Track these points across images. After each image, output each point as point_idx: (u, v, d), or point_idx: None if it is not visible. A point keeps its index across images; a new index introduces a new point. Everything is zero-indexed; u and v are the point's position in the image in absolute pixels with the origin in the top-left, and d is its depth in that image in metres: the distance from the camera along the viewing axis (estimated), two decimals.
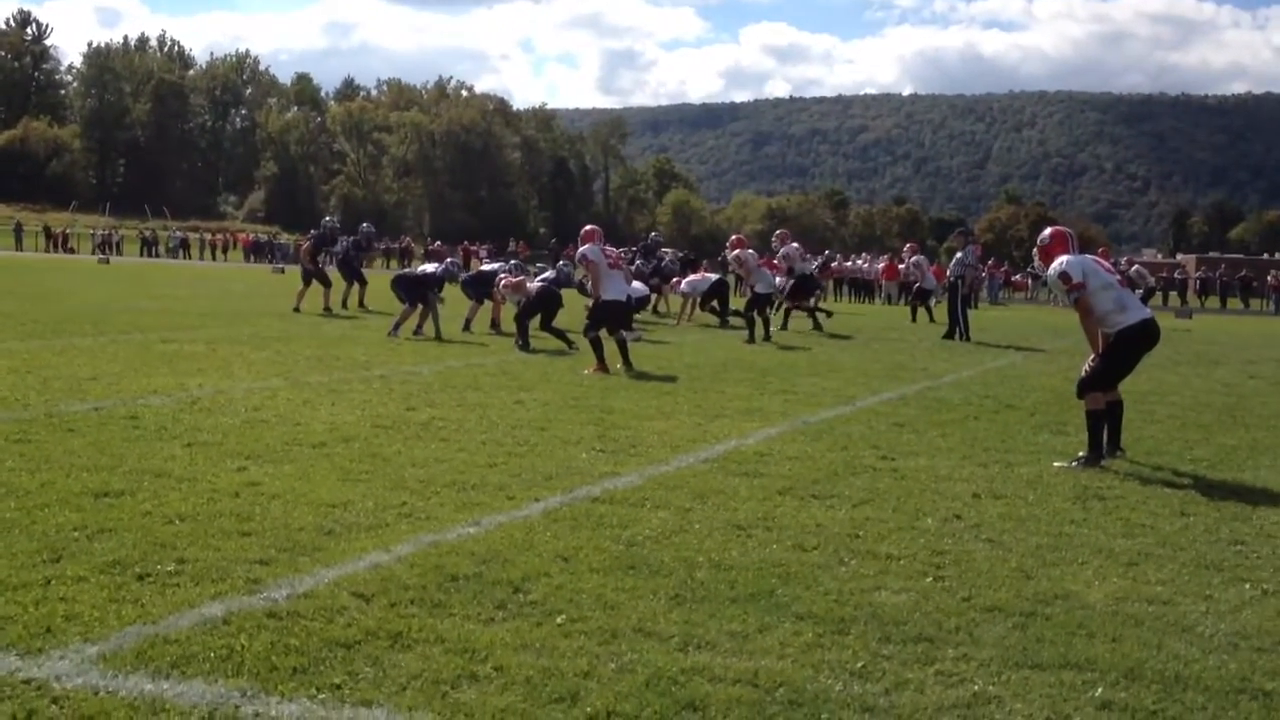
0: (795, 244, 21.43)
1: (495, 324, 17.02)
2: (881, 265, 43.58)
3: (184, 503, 5.61)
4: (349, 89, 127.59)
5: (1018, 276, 52.50)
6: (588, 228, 13.19)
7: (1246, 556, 5.38)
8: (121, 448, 6.89)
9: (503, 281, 15.78)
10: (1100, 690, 3.64)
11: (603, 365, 11.87)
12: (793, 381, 11.88)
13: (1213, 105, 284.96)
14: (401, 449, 7.30)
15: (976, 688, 3.64)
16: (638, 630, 4.07)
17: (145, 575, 4.48)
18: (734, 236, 20.95)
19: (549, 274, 18.66)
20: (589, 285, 16.99)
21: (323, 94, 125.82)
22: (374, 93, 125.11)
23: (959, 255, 20.28)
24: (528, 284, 15.33)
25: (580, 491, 6.26)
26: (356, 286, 21.11)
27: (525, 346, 14.25)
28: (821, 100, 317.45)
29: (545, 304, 14.66)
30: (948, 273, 21.37)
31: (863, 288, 42.97)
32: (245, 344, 13.62)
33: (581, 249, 12.68)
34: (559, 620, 4.16)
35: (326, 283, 20.17)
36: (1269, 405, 11.45)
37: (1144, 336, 7.76)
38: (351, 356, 12.78)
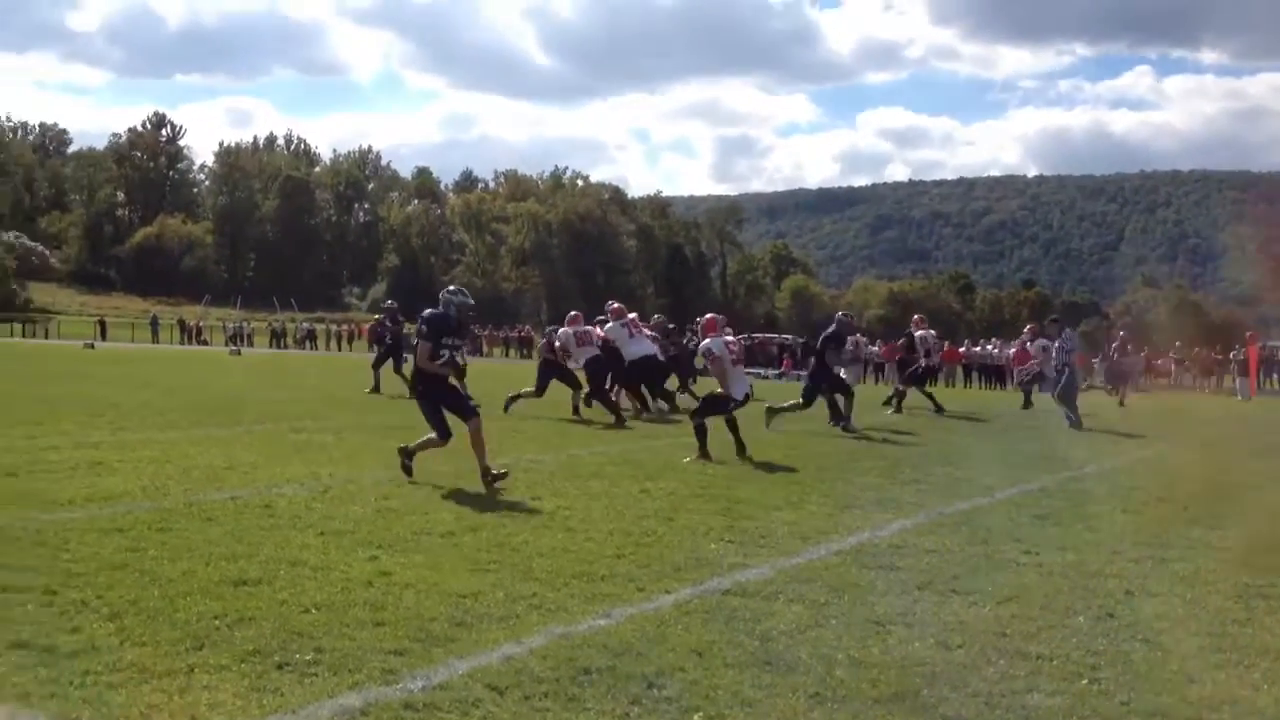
0: (931, 330, 21.67)
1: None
2: (1013, 351, 42.66)
3: (319, 592, 5.65)
4: (467, 181, 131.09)
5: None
6: (709, 317, 13.11)
7: None
8: (258, 536, 6.99)
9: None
10: None
11: (705, 453, 11.77)
12: (926, 470, 11.60)
13: None
14: (529, 538, 7.27)
15: None
16: None
17: (284, 664, 4.51)
18: (915, 316, 22.77)
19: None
20: (567, 355, 17.76)
21: (442, 186, 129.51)
22: (492, 184, 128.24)
23: (1057, 344, 19.56)
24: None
25: (711, 583, 6.14)
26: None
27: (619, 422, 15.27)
28: (942, 183, 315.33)
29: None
30: (1053, 361, 20.38)
31: (993, 373, 42.13)
32: (372, 432, 13.82)
33: (705, 343, 12.48)
34: (696, 717, 4.05)
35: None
36: None
37: None
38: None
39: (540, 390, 17.64)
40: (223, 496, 8.47)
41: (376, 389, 21.63)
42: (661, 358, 19.02)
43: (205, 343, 64.11)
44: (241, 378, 27.10)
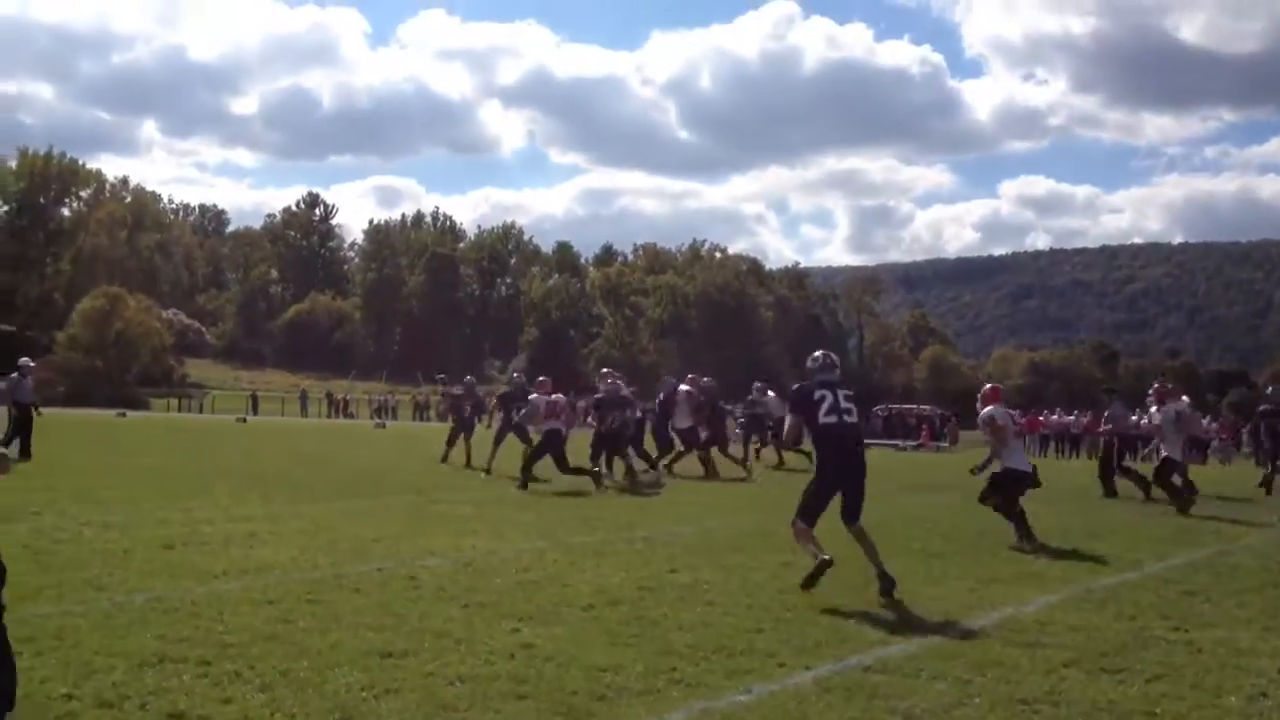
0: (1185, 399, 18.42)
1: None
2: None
3: (463, 664, 5.76)
4: (607, 254, 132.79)
5: None
6: (991, 387, 12.14)
7: None
8: (403, 608, 7.17)
9: None
10: None
11: (1027, 534, 11.05)
12: (1071, 544, 11.31)
13: None
14: (668, 612, 7.31)
15: None
16: None
17: None
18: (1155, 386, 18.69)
19: None
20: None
21: (582, 260, 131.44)
22: (630, 257, 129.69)
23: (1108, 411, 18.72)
24: None
25: (851, 660, 6.10)
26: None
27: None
28: (1084, 251, 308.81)
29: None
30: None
31: (1139, 442, 40.83)
32: (511, 505, 14.07)
33: (989, 411, 11.47)
34: None
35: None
36: None
37: None
38: (615, 517, 12.99)
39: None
40: (369, 568, 8.72)
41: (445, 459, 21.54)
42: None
43: (351, 416, 65.88)
44: (386, 450, 27.79)
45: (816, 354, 8.45)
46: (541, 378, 19.00)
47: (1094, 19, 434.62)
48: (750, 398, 24.82)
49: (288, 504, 13.28)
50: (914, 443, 44.69)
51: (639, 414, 20.71)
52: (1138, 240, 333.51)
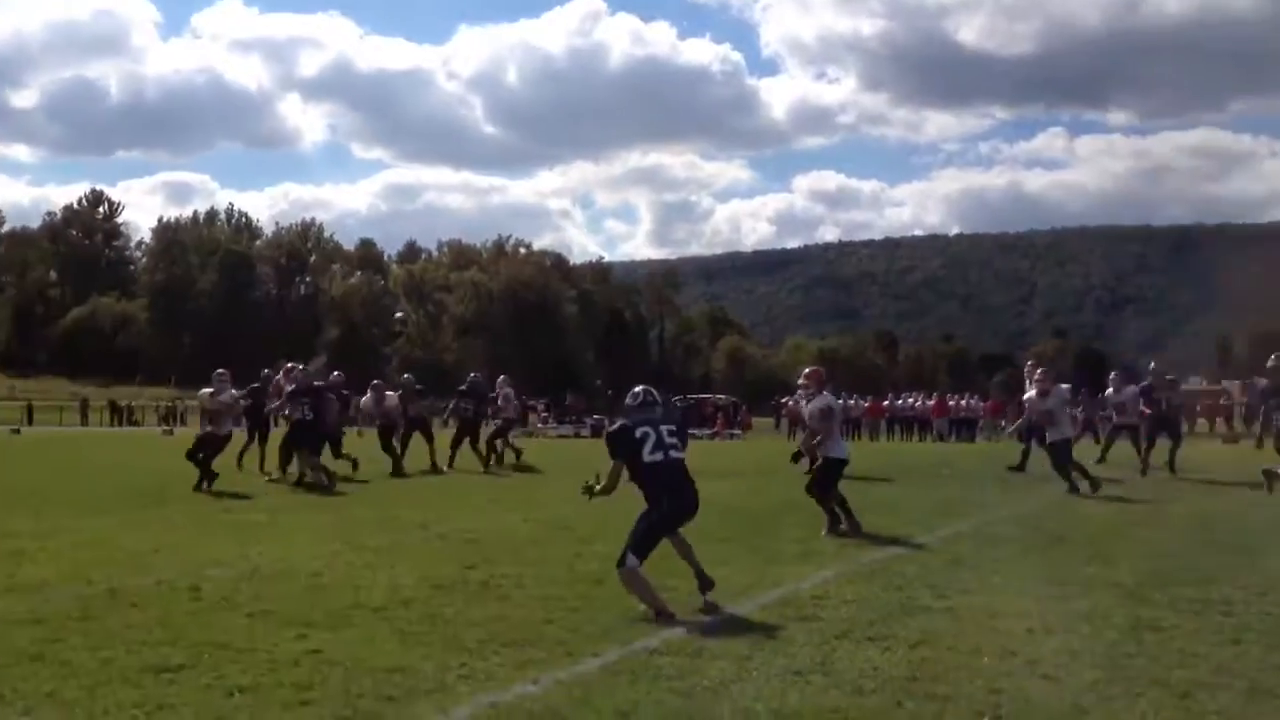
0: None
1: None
2: (932, 403, 43.60)
3: (244, 675, 5.66)
4: (411, 251, 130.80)
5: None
6: (816, 370, 12.17)
7: None
8: (183, 620, 6.99)
9: None
10: None
11: (852, 523, 11.12)
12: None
13: (1251, 233, 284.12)
14: (461, 609, 7.38)
15: None
16: None
17: None
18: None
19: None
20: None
21: (386, 257, 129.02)
22: (435, 254, 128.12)
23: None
24: None
25: (638, 644, 6.31)
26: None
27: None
28: (870, 243, 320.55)
29: None
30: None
31: (913, 424, 42.99)
32: (307, 509, 13.84)
33: (825, 401, 11.53)
34: None
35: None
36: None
37: None
38: (410, 518, 12.94)
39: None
40: (148, 581, 8.44)
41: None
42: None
43: (137, 424, 63.10)
44: (173, 458, 26.75)
45: (636, 390, 8.14)
46: (288, 363, 20.10)
47: (882, 20, 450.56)
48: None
49: (62, 518, 12.67)
50: (710, 431, 45.68)
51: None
52: (918, 232, 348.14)
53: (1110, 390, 19.93)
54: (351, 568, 9.15)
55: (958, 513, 12.86)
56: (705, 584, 7.63)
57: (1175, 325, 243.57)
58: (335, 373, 22.66)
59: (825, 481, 11.37)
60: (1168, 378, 19.76)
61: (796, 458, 11.98)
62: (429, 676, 5.65)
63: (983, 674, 5.56)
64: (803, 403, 12.85)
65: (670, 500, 7.66)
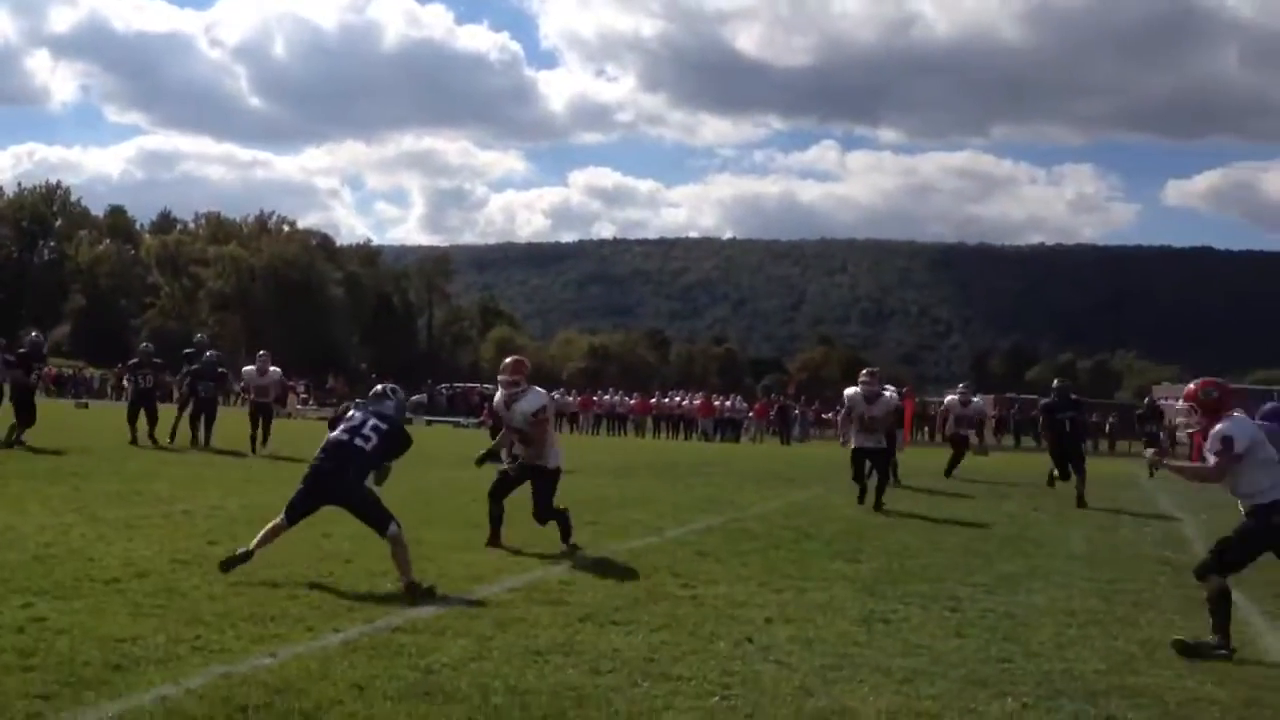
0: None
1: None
2: (699, 402, 44.69)
3: None
4: (166, 222, 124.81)
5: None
6: (519, 359, 9.93)
7: (1012, 673, 5.74)
8: None
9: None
10: None
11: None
12: (604, 514, 12.05)
13: (1010, 254, 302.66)
14: (199, 584, 7.17)
15: None
16: None
17: None
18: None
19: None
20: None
21: (138, 226, 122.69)
22: (192, 226, 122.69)
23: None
24: None
25: (381, 622, 6.27)
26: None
27: None
28: (645, 241, 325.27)
29: None
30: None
31: (679, 422, 43.95)
32: (40, 479, 13.09)
33: (540, 400, 9.59)
34: None
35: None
36: (1047, 534, 12.16)
37: None
38: (154, 491, 12.43)
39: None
40: None
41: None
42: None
43: None
44: None
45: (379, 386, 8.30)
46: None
47: (662, 22, 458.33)
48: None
49: None
50: (476, 420, 45.45)
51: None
52: (693, 234, 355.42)
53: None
54: (85, 539, 8.75)
55: (712, 509, 13.24)
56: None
57: (936, 338, 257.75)
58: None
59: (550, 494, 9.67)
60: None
61: (483, 460, 9.96)
62: (160, 647, 5.48)
63: (718, 658, 5.77)
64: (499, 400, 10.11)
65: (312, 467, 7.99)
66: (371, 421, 7.79)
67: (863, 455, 14.10)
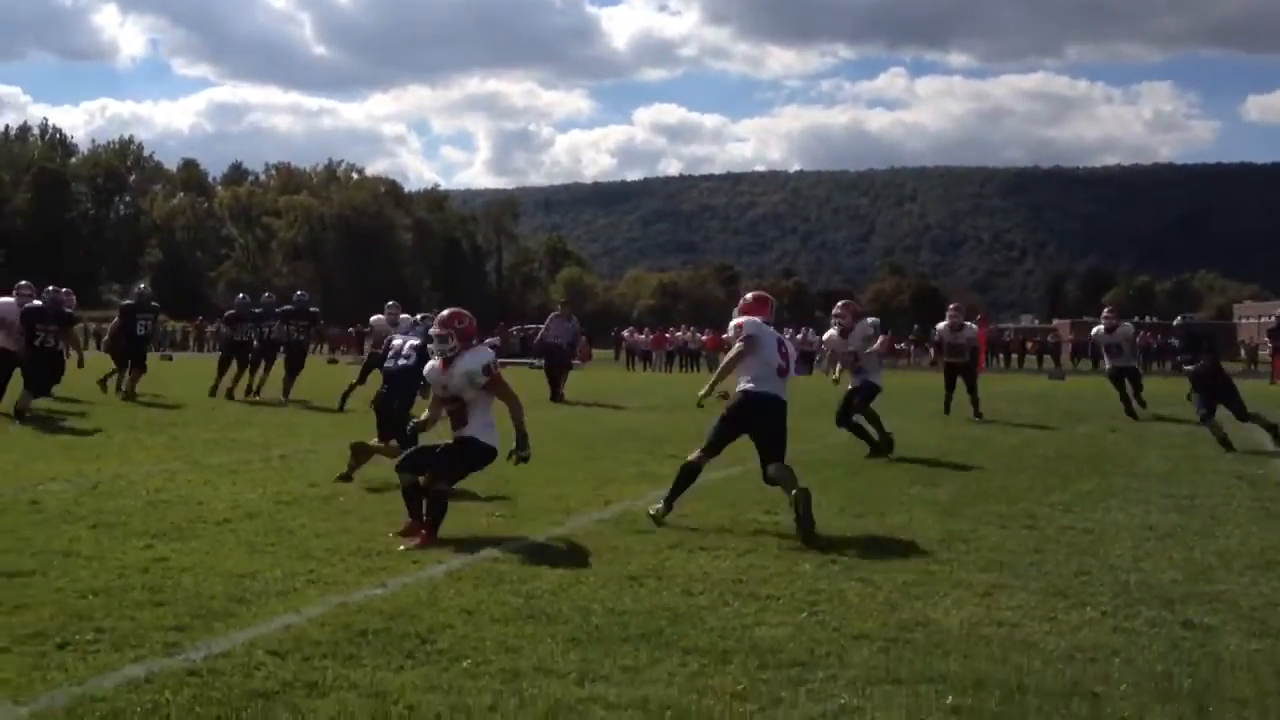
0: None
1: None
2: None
3: (95, 579, 5.77)
4: (237, 174, 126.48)
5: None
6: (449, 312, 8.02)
7: (1090, 585, 5.93)
8: (27, 532, 6.99)
9: None
10: (951, 699, 4.10)
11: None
12: (684, 447, 12.11)
13: (1084, 177, 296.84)
14: (306, 522, 7.54)
15: (843, 701, 4.07)
16: (538, 669, 4.42)
17: (66, 644, 4.67)
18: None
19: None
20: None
21: (210, 179, 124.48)
22: (262, 177, 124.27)
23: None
24: None
25: (482, 553, 6.58)
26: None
27: None
28: (710, 177, 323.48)
29: None
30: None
31: None
32: (140, 429, 13.64)
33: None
34: (464, 664, 4.48)
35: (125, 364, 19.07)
36: (1125, 454, 12.25)
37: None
38: (249, 439, 12.91)
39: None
40: None
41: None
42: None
43: None
44: None
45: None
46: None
47: None
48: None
49: None
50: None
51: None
52: (760, 168, 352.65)
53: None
54: (192, 485, 9.18)
55: (790, 439, 13.39)
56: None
57: (1009, 264, 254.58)
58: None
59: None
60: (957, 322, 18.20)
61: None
62: (278, 580, 5.83)
63: (803, 578, 6.02)
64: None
65: None
66: (410, 342, 8.48)
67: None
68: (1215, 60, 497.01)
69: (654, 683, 4.27)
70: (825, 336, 14.26)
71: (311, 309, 20.28)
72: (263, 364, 19.58)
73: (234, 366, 19.46)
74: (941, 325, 18.24)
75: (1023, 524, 7.71)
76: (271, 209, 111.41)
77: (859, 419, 12.38)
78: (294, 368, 19.24)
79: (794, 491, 7.29)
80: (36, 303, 15.38)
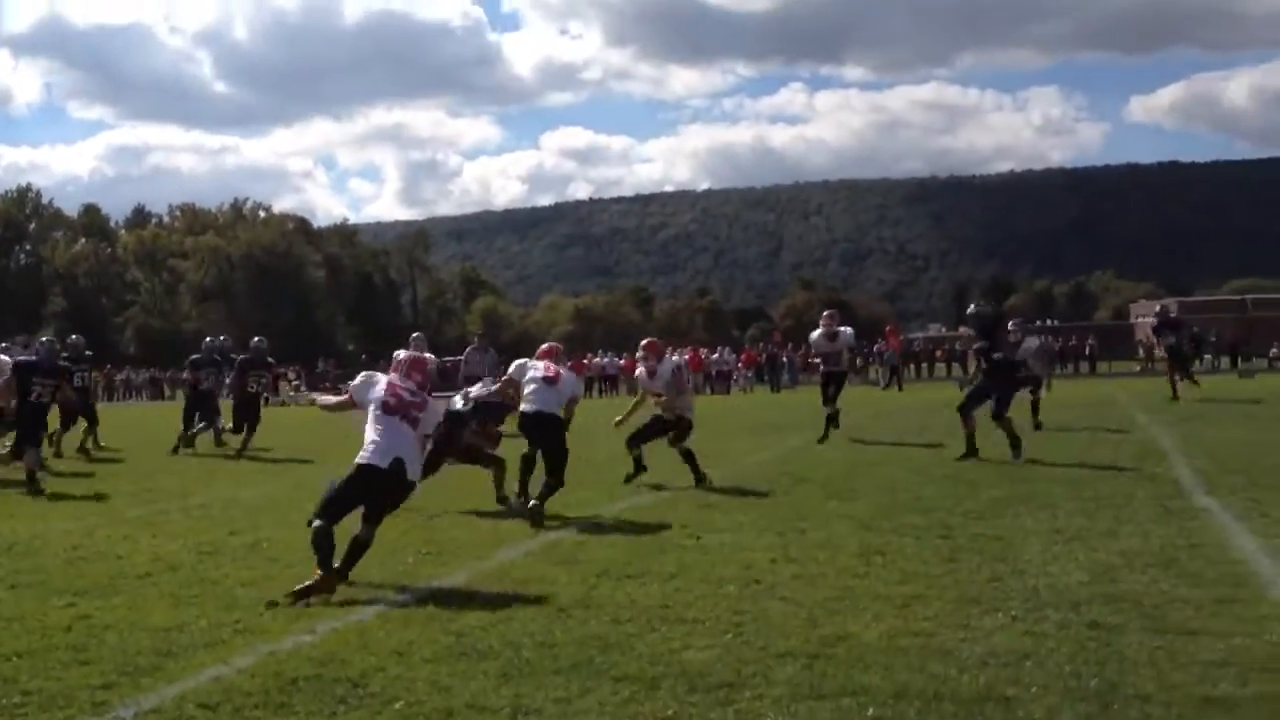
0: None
1: None
2: (687, 357, 45.06)
3: (17, 640, 5.70)
4: (140, 217, 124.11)
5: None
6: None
7: (1001, 591, 6.14)
8: None
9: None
10: (871, 710, 4.26)
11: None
12: (609, 472, 12.40)
13: (980, 184, 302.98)
14: (230, 571, 7.50)
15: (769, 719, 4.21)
16: (470, 707, 4.49)
17: None
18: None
19: None
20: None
21: (113, 223, 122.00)
22: (166, 219, 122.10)
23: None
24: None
25: (409, 594, 6.62)
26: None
27: None
28: (621, 199, 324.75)
29: None
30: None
31: None
32: (60, 484, 13.39)
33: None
34: (397, 706, 4.54)
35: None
36: (1031, 459, 12.56)
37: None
38: (166, 488, 12.77)
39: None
40: None
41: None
42: None
43: None
44: None
45: None
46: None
47: None
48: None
49: None
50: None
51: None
52: (669, 188, 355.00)
53: None
54: (111, 539, 9.05)
55: (710, 461, 13.54)
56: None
57: (915, 274, 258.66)
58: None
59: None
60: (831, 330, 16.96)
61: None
62: (204, 632, 5.82)
63: (728, 599, 6.15)
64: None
65: None
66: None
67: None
68: (1097, 63, 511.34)
69: (585, 713, 4.36)
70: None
71: (269, 359, 18.99)
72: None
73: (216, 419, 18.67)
74: (816, 333, 16.95)
75: (937, 534, 7.93)
76: (178, 251, 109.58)
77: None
78: (254, 422, 17.67)
79: None
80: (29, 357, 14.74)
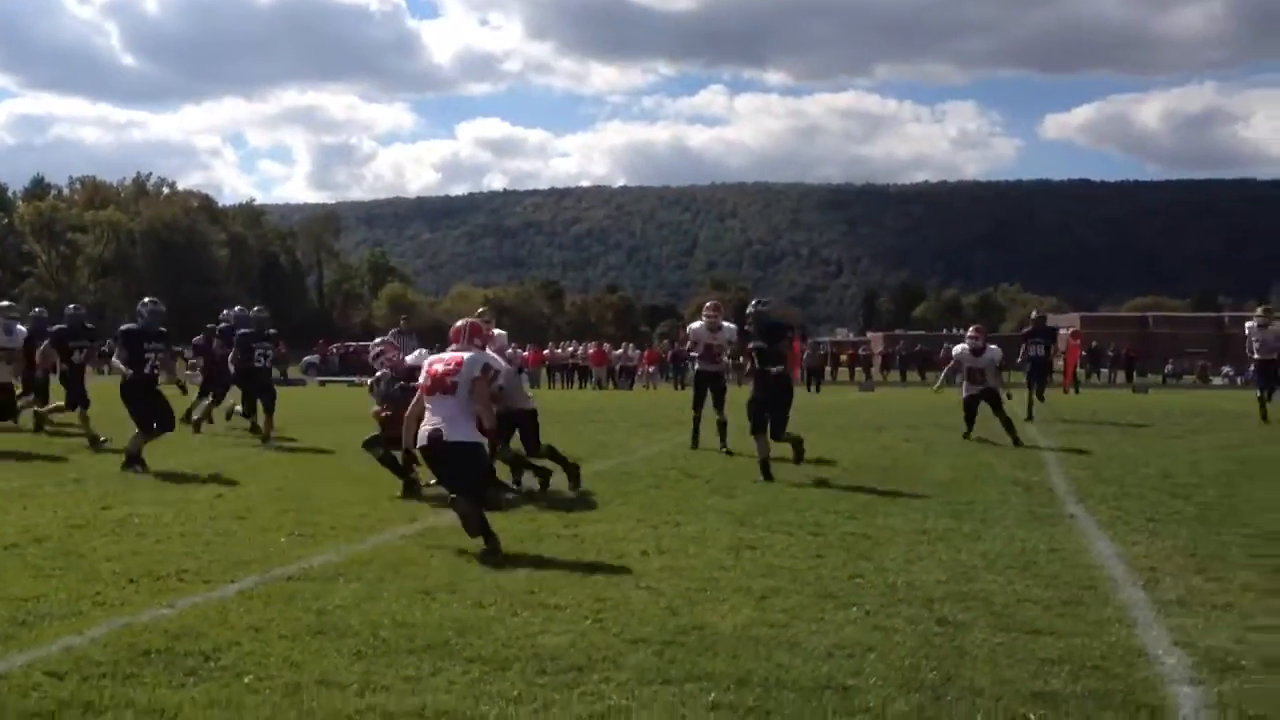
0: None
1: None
2: (592, 351, 45.19)
3: None
4: (39, 188, 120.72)
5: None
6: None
7: (861, 586, 6.30)
8: None
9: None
10: (713, 695, 4.36)
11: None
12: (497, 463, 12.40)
13: (895, 193, 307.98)
14: (97, 546, 7.41)
15: (612, 702, 4.29)
16: (319, 683, 4.51)
17: None
18: None
19: None
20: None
21: (10, 193, 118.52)
22: (66, 191, 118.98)
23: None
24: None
25: (277, 572, 6.60)
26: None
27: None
28: (536, 192, 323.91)
29: None
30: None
31: (577, 373, 44.39)
32: None
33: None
34: (246, 680, 4.54)
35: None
36: (914, 463, 12.86)
37: None
38: (46, 459, 12.52)
39: None
40: None
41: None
42: None
43: None
44: None
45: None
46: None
47: None
48: None
49: None
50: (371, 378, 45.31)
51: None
52: (585, 183, 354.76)
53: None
54: None
55: (601, 454, 13.68)
56: None
57: (827, 279, 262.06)
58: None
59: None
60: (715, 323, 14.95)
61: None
62: (62, 604, 5.77)
63: (593, 586, 6.22)
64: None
65: None
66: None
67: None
68: (1015, 81, 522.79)
69: (433, 691, 4.41)
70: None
71: (271, 330, 16.97)
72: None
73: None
74: (697, 324, 14.74)
75: (809, 531, 8.09)
76: (77, 224, 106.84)
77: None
78: (270, 400, 15.87)
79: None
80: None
